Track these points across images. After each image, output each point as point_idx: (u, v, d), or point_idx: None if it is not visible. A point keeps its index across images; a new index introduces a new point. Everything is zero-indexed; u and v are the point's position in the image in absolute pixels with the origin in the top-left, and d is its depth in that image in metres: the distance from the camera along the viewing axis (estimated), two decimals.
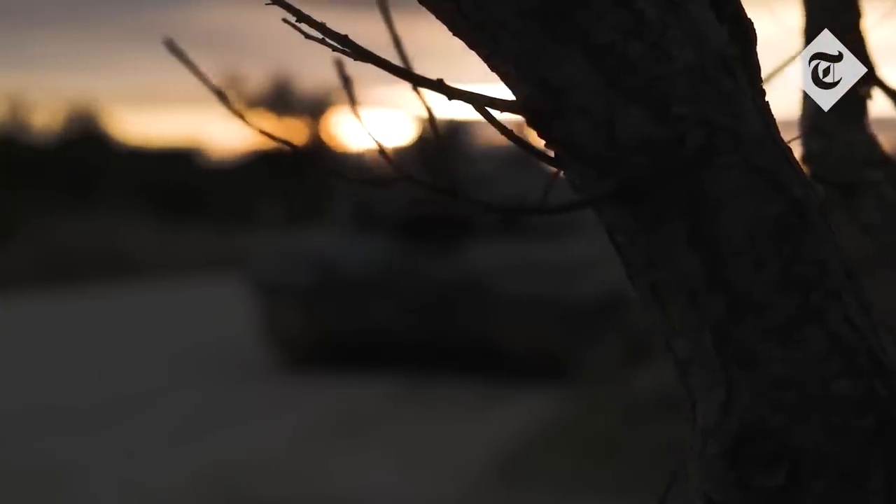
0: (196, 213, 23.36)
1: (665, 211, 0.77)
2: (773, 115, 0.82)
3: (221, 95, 0.76)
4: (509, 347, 9.11)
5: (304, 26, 0.81)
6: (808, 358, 0.78)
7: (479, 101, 0.77)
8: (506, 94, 0.80)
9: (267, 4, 0.80)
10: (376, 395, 8.67)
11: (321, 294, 9.42)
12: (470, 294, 9.13)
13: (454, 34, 0.80)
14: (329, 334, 9.62)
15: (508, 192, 9.87)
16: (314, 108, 30.26)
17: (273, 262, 9.72)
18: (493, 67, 0.80)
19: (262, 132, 0.77)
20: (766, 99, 0.81)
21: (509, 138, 0.78)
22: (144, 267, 17.93)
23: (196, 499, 5.92)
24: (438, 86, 0.75)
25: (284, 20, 0.82)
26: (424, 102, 0.75)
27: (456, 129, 11.10)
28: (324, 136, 30.15)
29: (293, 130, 30.60)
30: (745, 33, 0.81)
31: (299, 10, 0.79)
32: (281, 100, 30.18)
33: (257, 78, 31.40)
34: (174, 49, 0.72)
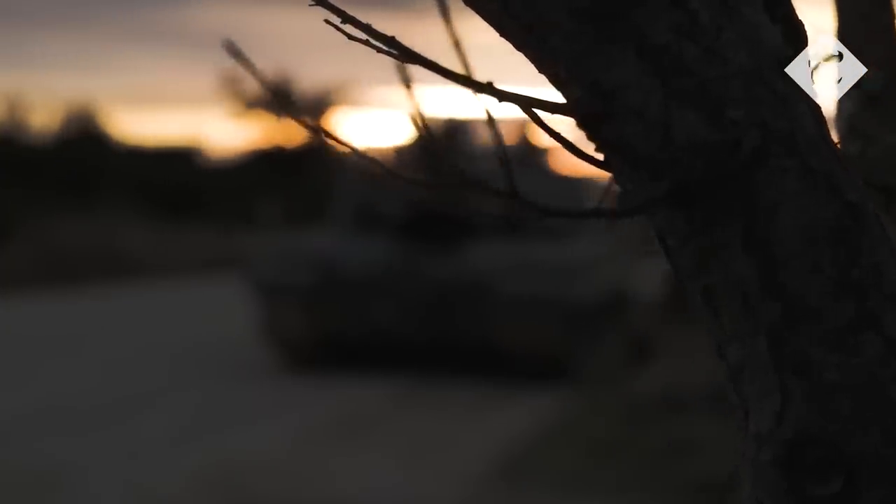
0: (195, 213, 23.35)
1: (718, 214, 0.76)
2: (825, 118, 0.81)
3: (281, 96, 0.75)
4: (510, 348, 9.10)
5: (347, 27, 0.80)
6: (865, 364, 0.77)
7: (529, 104, 0.76)
8: (555, 95, 0.79)
9: (311, 6, 0.79)
10: (377, 396, 8.66)
11: (321, 294, 9.41)
12: (471, 294, 9.11)
13: (501, 35, 0.79)
14: (329, 334, 9.60)
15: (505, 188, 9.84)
16: (314, 108, 30.23)
17: (273, 262, 9.69)
18: (541, 69, 0.79)
19: (317, 129, 0.75)
20: (818, 101, 0.80)
21: (558, 141, 0.77)
22: (144, 267, 17.91)
23: (196, 499, 5.90)
24: (488, 88, 0.74)
25: (327, 21, 0.81)
26: (485, 106, 0.74)
27: (456, 129, 11.09)
28: (331, 133, 30.07)
29: (292, 131, 30.60)
30: (797, 35, 0.80)
31: (344, 12, 0.78)
32: (281, 100, 30.11)
33: (256, 77, 31.28)
34: (233, 50, 0.71)
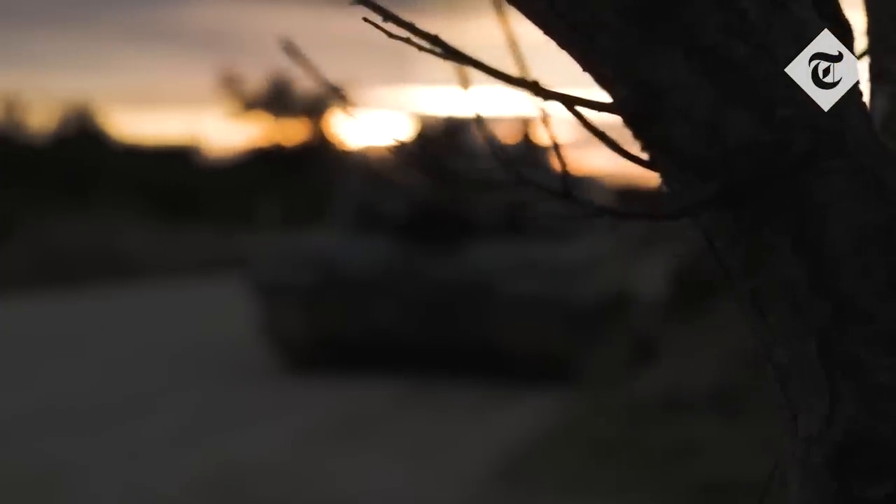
0: (194, 212, 23.31)
1: (768, 216, 0.76)
2: (871, 117, 0.80)
3: (340, 95, 0.74)
4: (511, 348, 9.06)
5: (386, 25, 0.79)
6: None
7: (574, 103, 0.75)
8: (600, 95, 0.78)
9: (352, 3, 0.78)
10: (378, 397, 8.64)
11: (322, 294, 9.38)
12: (472, 295, 9.08)
13: (545, 34, 0.78)
14: (330, 335, 9.57)
15: (507, 187, 9.84)
16: (312, 108, 30.22)
17: (273, 262, 9.66)
18: (586, 68, 0.78)
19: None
20: (864, 100, 0.80)
21: (602, 140, 0.77)
22: (142, 268, 17.86)
23: (197, 502, 5.89)
24: (533, 87, 0.74)
25: (365, 19, 0.80)
26: (539, 106, 0.73)
27: (458, 127, 11.07)
28: (326, 135, 30.10)
29: (291, 131, 30.58)
30: (844, 33, 0.79)
31: (387, 10, 0.77)
32: (279, 100, 30.15)
33: (255, 77, 31.42)
34: (292, 50, 0.70)
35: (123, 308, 14.28)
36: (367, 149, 11.07)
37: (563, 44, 0.78)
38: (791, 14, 0.76)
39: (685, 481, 5.64)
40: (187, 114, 53.41)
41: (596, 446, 6.55)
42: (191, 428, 7.49)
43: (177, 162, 27.01)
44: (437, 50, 0.75)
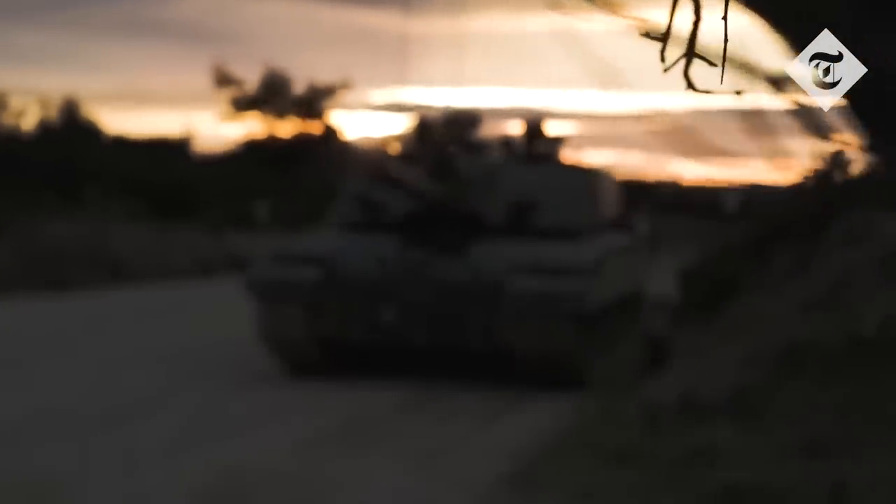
0: (188, 210, 23.22)
1: None
2: None
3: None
4: (519, 351, 8.90)
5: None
6: None
7: (789, 89, 0.63)
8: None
9: None
10: (381, 400, 8.55)
11: (323, 295, 9.24)
12: (478, 296, 8.94)
13: (764, 20, 0.66)
14: (331, 337, 9.43)
15: (514, 185, 9.78)
16: (308, 104, 30.17)
17: (273, 263, 9.52)
18: (801, 51, 0.66)
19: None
20: None
21: (812, 130, 0.64)
22: (136, 268, 17.74)
23: None
24: (747, 69, 0.61)
25: (567, 14, 0.66)
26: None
27: (466, 121, 10.99)
28: (324, 131, 30.07)
29: (286, 126, 30.53)
30: None
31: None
32: (273, 95, 30.09)
33: (248, 71, 31.40)
34: (571, 43, 0.56)
35: (118, 309, 14.21)
36: (368, 145, 11.01)
37: (781, 30, 0.66)
38: None
39: (702, 488, 5.53)
40: (179, 110, 53.49)
41: (608, 452, 6.44)
42: (191, 432, 7.39)
43: (169, 157, 26.87)
44: (649, 33, 0.63)
